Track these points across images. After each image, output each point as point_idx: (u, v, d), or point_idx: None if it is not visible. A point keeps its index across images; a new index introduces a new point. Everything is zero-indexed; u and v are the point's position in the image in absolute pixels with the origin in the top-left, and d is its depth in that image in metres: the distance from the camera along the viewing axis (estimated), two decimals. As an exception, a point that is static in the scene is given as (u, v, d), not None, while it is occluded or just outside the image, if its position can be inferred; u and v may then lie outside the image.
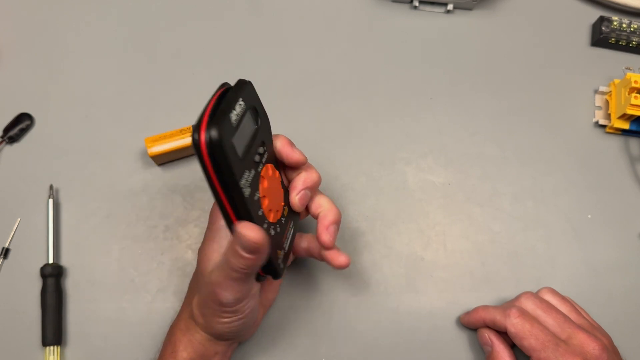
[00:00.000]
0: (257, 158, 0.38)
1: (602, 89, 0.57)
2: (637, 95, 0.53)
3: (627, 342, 0.47)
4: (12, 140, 0.54)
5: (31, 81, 0.56)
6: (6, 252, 0.51)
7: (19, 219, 0.52)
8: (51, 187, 0.52)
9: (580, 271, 0.53)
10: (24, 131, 0.54)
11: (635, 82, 0.53)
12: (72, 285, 0.51)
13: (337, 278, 0.52)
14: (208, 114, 0.34)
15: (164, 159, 0.53)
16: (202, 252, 0.42)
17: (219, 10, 0.59)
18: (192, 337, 0.43)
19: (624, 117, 0.54)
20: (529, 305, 0.47)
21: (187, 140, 0.52)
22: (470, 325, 0.50)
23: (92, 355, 0.49)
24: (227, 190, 0.35)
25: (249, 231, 0.36)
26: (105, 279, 0.51)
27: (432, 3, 0.59)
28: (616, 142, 0.57)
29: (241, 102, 0.36)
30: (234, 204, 0.36)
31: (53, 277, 0.50)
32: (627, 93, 0.54)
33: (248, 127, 0.37)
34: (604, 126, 0.57)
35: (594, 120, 0.57)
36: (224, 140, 0.33)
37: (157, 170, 0.54)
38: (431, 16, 0.60)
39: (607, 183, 0.55)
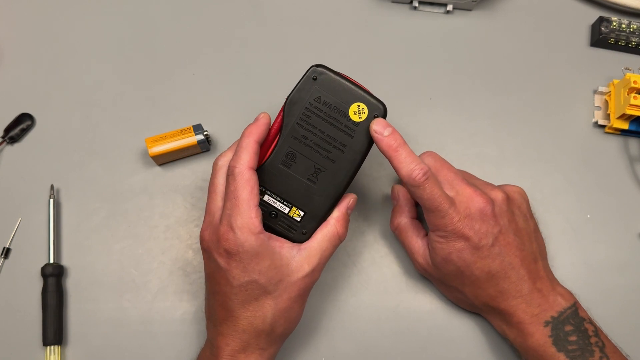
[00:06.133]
0: None
1: (602, 89, 0.57)
2: (637, 95, 0.53)
3: (627, 341, 0.47)
4: (13, 140, 0.54)
5: (32, 81, 0.56)
6: (7, 251, 0.51)
7: (19, 219, 0.52)
8: (52, 187, 0.52)
9: (580, 271, 0.53)
10: (24, 131, 0.54)
11: (635, 82, 0.53)
12: (72, 285, 0.51)
13: (337, 278, 0.52)
14: (370, 93, 0.45)
15: (165, 159, 0.53)
16: (272, 270, 0.42)
17: (220, 11, 0.59)
18: None
19: (623, 117, 0.54)
20: (429, 161, 0.48)
21: (187, 140, 0.52)
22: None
23: (92, 355, 0.50)
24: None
25: (355, 196, 0.47)
26: (106, 278, 0.51)
27: (432, 4, 0.59)
28: (615, 142, 0.57)
29: None
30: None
31: (54, 276, 0.50)
32: (626, 93, 0.54)
33: None
34: (603, 126, 0.57)
35: (593, 120, 0.57)
36: None
37: (158, 170, 0.54)
38: (431, 17, 0.60)
39: (606, 183, 0.55)
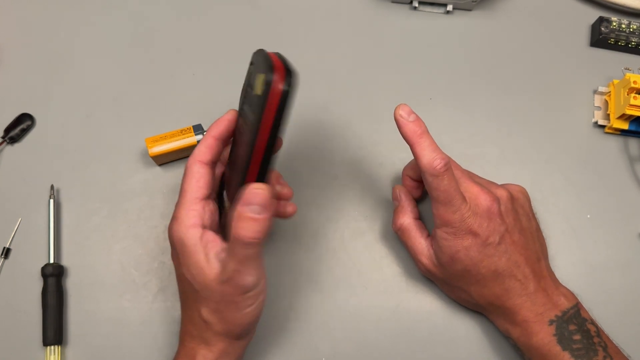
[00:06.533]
0: None
1: (601, 89, 0.57)
2: (636, 95, 0.53)
3: (628, 341, 0.47)
4: (13, 140, 0.54)
5: (32, 81, 0.56)
6: (7, 252, 0.51)
7: (20, 219, 0.52)
8: (52, 187, 0.52)
9: (580, 271, 0.53)
10: (24, 131, 0.54)
11: (635, 82, 0.53)
12: (72, 285, 0.51)
13: (337, 278, 0.52)
14: (281, 62, 0.35)
15: (165, 159, 0.53)
16: (194, 269, 0.40)
17: (219, 10, 0.59)
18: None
19: (623, 117, 0.54)
20: None
21: (187, 140, 0.52)
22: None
23: (92, 355, 0.50)
24: (270, 145, 0.37)
25: (260, 187, 0.37)
26: (106, 278, 0.51)
27: (432, 4, 0.60)
28: (615, 142, 0.57)
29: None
30: (265, 159, 0.37)
31: (54, 276, 0.50)
32: (626, 93, 0.54)
33: None
34: (603, 126, 0.57)
35: (593, 120, 0.57)
36: (294, 92, 0.35)
37: (158, 170, 0.54)
38: (431, 17, 0.60)
39: (606, 183, 0.55)
